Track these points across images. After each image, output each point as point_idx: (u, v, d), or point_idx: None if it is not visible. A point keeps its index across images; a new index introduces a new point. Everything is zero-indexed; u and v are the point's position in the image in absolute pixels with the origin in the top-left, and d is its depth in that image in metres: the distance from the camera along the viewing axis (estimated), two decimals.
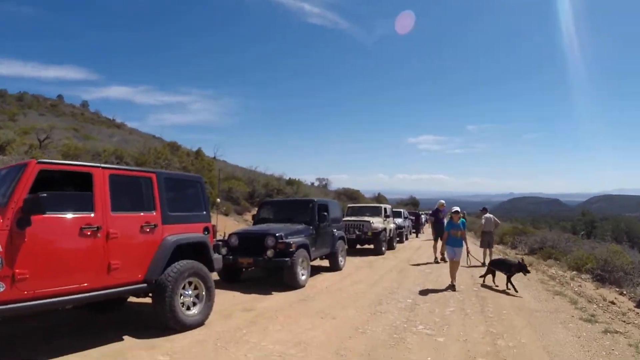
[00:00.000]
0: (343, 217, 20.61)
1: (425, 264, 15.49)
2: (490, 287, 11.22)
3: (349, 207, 21.92)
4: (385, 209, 20.97)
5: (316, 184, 50.49)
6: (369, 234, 18.25)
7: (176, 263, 6.98)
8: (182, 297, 7.02)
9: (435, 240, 16.18)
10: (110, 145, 22.46)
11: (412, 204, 71.11)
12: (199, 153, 22.55)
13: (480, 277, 12.00)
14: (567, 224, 71.27)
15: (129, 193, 6.87)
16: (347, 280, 12.03)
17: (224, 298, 9.42)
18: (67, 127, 40.65)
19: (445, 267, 14.38)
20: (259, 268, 11.42)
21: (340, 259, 13.66)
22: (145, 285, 6.69)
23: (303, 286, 10.72)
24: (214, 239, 8.37)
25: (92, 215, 6.05)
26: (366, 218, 19.22)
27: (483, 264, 15.44)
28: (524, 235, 25.86)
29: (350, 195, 44.01)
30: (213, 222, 8.52)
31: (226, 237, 11.49)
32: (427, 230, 39.34)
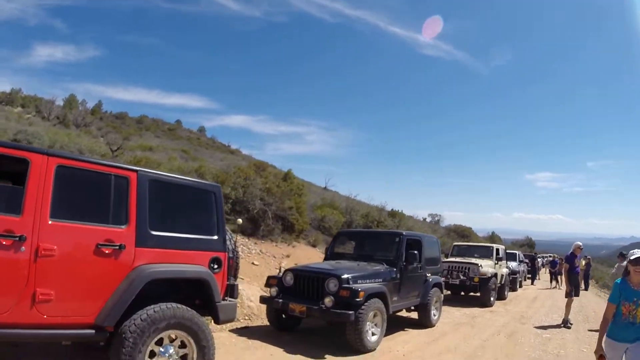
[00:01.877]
0: (447, 257, 17.47)
1: (544, 327, 11.91)
2: None
3: (455, 245, 18.67)
4: (497, 250, 17.43)
5: (428, 219, 47.25)
6: (476, 280, 14.91)
7: (150, 307, 4.53)
8: (155, 359, 4.58)
9: (569, 295, 12.31)
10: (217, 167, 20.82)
11: (528, 245, 65.46)
12: (288, 175, 20.21)
13: None
14: None
15: (87, 196, 4.60)
16: (437, 344, 8.90)
17: (256, 357, 6.80)
18: (175, 148, 40.58)
19: (569, 333, 11.09)
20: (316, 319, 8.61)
21: (432, 312, 10.53)
22: (92, 332, 4.36)
23: (372, 350, 7.79)
24: (230, 277, 5.80)
25: (17, 218, 3.96)
26: (474, 260, 15.91)
27: None
28: None
29: (461, 232, 40.16)
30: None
31: (281, 274, 8.88)
32: (544, 275, 34.65)
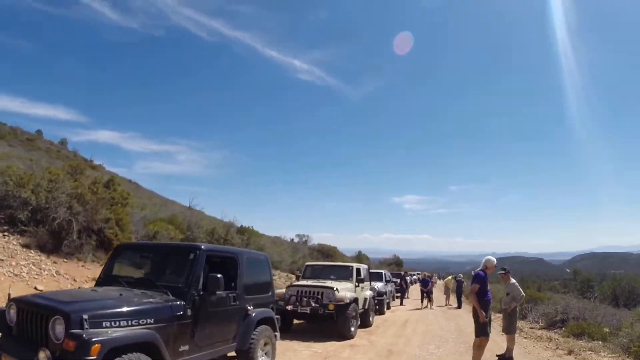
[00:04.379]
0: (298, 279, 14.43)
1: None
2: None
3: (307, 266, 15.38)
4: (358, 270, 14.55)
5: (296, 240, 44.82)
6: (331, 307, 11.83)
7: None
8: None
9: (481, 333, 8.44)
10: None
11: (396, 263, 65.35)
12: (112, 181, 16.45)
13: None
14: (555, 284, 65.62)
15: None
16: None
17: None
18: (23, 158, 35.49)
19: None
20: None
21: None
22: None
23: None
24: None
25: None
26: (329, 283, 12.88)
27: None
28: (533, 302, 19.60)
29: (325, 252, 37.59)
30: None
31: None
32: (414, 292, 32.67)
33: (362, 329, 13.87)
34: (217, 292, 6.18)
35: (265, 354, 7.47)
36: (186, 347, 5.70)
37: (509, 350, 10.07)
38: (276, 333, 7.88)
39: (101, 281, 6.83)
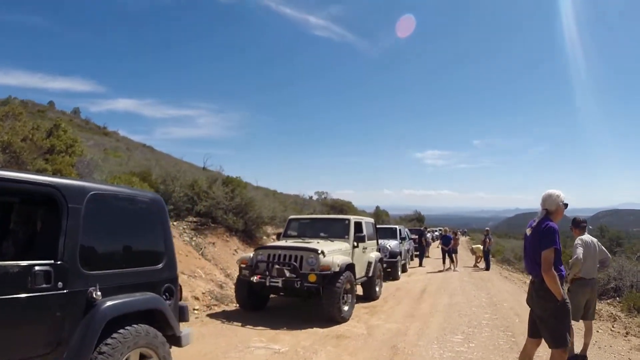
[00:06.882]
0: (278, 238, 11.07)
1: None
2: None
3: (291, 220, 11.42)
4: (358, 224, 10.81)
5: (315, 197, 41.94)
6: (311, 278, 8.35)
7: None
8: None
9: (558, 340, 4.48)
10: None
11: (418, 219, 62.05)
12: (56, 126, 13.19)
13: None
14: None
15: None
16: None
17: None
18: None
19: None
20: None
21: None
22: None
23: None
24: None
25: None
26: (314, 243, 9.36)
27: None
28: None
29: (339, 208, 33.87)
30: None
31: None
32: (436, 251, 29.30)
33: (364, 304, 10.52)
34: None
35: None
36: None
37: (585, 345, 6.49)
38: (180, 334, 4.42)
39: None
